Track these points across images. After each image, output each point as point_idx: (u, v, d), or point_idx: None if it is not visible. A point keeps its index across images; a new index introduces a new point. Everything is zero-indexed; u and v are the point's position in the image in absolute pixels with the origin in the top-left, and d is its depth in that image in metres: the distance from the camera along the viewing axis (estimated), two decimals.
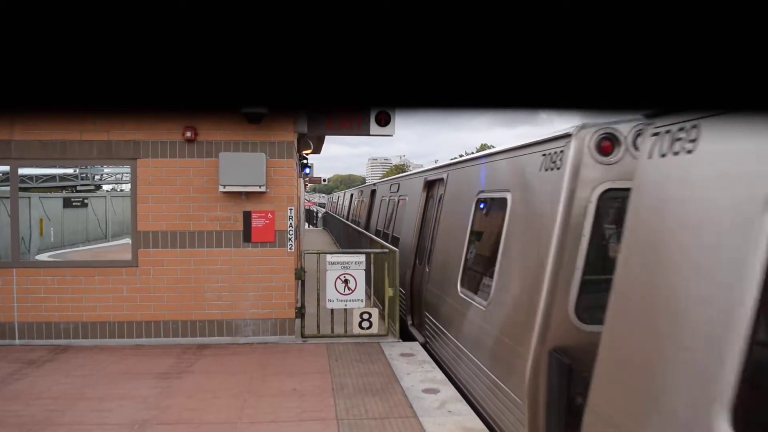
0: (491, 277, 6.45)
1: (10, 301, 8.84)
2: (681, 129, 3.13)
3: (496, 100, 0.63)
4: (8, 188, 9.01)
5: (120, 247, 9.30)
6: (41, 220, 9.46)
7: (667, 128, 3.26)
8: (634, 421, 3.21)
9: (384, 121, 9.26)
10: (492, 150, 7.62)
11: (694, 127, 3.02)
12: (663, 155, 3.25)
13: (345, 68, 0.60)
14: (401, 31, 0.58)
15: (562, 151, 5.23)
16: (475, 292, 7.08)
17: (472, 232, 7.72)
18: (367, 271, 9.48)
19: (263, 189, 8.81)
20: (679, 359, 2.92)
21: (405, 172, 21.76)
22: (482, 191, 7.45)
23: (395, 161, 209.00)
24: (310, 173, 19.75)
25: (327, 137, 14.03)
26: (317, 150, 16.09)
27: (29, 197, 9.28)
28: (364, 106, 0.65)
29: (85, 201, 9.69)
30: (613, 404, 3.45)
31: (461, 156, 12.37)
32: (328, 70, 0.60)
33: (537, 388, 5.06)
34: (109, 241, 9.67)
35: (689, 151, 3.04)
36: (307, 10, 0.57)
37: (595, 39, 0.59)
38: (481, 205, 7.51)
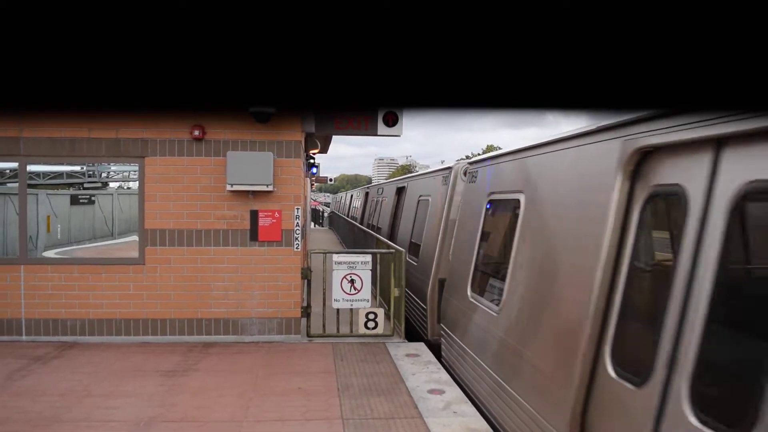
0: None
1: (17, 298, 8.88)
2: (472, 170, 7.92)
3: (502, 100, 0.63)
4: (17, 185, 9.04)
5: (127, 244, 9.32)
6: (48, 217, 9.50)
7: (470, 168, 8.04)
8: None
9: (392, 121, 9.26)
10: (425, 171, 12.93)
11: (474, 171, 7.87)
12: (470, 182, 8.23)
13: (353, 68, 0.60)
14: (408, 32, 0.58)
15: (448, 175, 10.44)
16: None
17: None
18: (373, 271, 9.48)
19: (270, 188, 8.82)
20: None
21: (412, 172, 21.33)
22: (421, 195, 12.55)
23: (401, 162, 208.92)
24: (316, 173, 19.76)
25: (334, 137, 14.04)
26: (324, 150, 16.08)
27: (36, 194, 9.32)
28: (371, 106, 0.65)
29: (93, 198, 9.72)
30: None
31: (467, 157, 13.02)
32: (335, 71, 0.60)
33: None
34: (115, 239, 9.70)
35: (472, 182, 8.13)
36: (315, 11, 0.57)
37: (598, 39, 0.59)
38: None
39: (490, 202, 7.50)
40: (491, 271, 7.26)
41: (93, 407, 6.30)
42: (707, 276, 3.45)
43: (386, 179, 31.78)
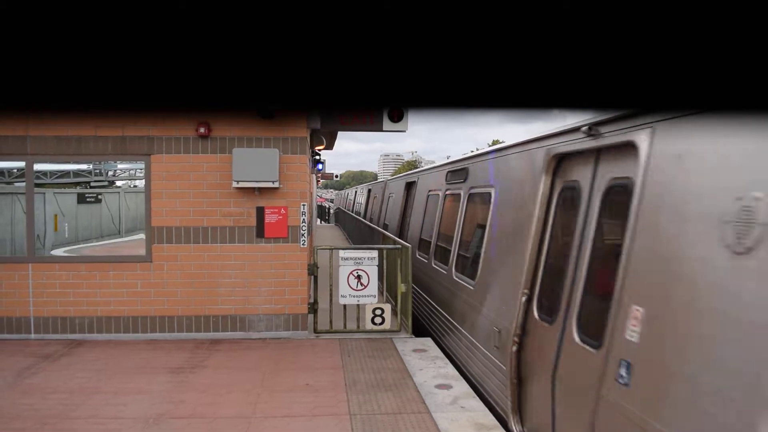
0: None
1: (25, 296, 8.92)
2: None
3: (505, 99, 0.63)
4: (23, 184, 9.08)
5: (134, 242, 9.35)
6: (56, 215, 9.54)
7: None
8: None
9: (397, 116, 9.25)
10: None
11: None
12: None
13: (358, 67, 0.60)
14: (412, 31, 0.58)
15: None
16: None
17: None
18: (380, 267, 9.48)
19: (276, 185, 8.83)
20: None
21: (417, 168, 21.39)
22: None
23: (407, 157, 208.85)
24: (322, 169, 19.79)
25: (339, 133, 14.02)
26: (330, 146, 16.11)
27: (44, 193, 9.35)
28: (376, 105, 0.65)
29: (99, 197, 9.75)
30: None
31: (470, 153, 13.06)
32: (341, 70, 0.60)
33: None
34: (122, 237, 9.73)
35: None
36: (320, 10, 0.57)
37: (598, 38, 0.59)
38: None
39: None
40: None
41: (102, 404, 6.34)
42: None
43: (391, 175, 32.39)
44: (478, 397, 6.53)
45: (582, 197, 5.36)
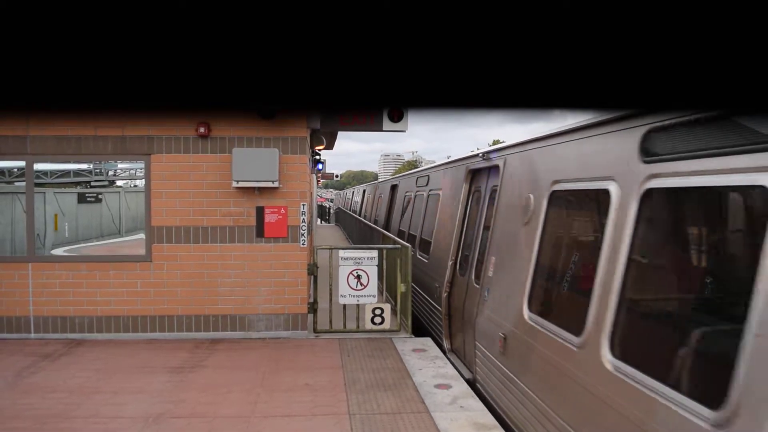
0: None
1: (25, 296, 8.93)
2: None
3: (506, 99, 0.63)
4: (24, 183, 9.09)
5: (134, 242, 9.36)
6: (56, 215, 9.54)
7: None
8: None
9: (397, 116, 9.25)
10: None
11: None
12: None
13: (357, 68, 0.60)
14: (412, 31, 0.58)
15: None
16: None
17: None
18: (380, 267, 9.48)
19: (276, 185, 8.83)
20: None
21: (417, 168, 21.91)
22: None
23: (407, 157, 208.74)
24: (322, 169, 19.77)
25: (339, 133, 14.04)
26: (330, 146, 16.11)
27: (44, 192, 9.36)
28: (376, 105, 0.66)
29: (99, 196, 9.76)
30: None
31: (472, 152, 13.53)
32: (341, 70, 0.61)
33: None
34: (122, 237, 9.74)
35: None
36: (320, 10, 0.57)
37: (599, 38, 0.59)
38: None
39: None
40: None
41: (102, 404, 6.34)
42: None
43: (391, 175, 33.79)
44: (477, 397, 6.53)
45: (481, 197, 8.59)
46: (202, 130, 8.87)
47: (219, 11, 0.57)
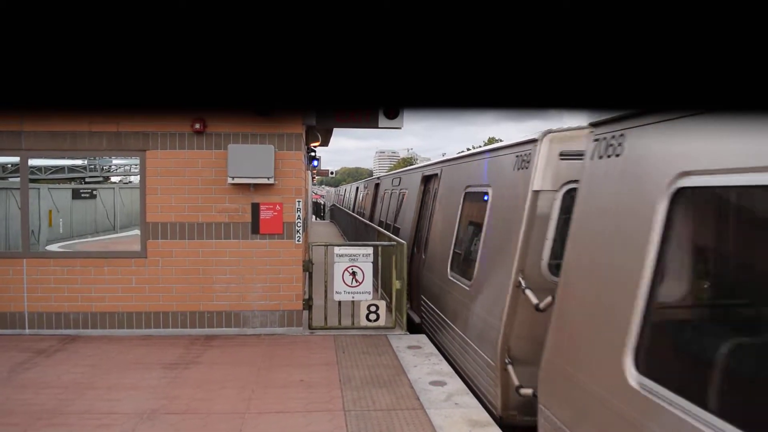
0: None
1: (20, 291, 8.91)
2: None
3: (503, 99, 0.63)
4: (18, 179, 9.06)
5: (129, 238, 9.34)
6: (50, 211, 9.51)
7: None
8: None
9: (392, 114, 9.25)
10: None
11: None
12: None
13: (353, 67, 0.61)
14: (408, 30, 0.58)
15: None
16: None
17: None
18: (375, 263, 9.49)
19: (271, 181, 8.83)
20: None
21: (412, 165, 22.94)
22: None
23: (403, 154, 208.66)
24: (317, 166, 19.76)
25: (335, 130, 14.09)
26: (325, 143, 16.08)
27: (38, 188, 9.33)
28: (372, 105, 0.66)
29: (94, 192, 9.74)
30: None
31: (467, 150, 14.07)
32: (336, 69, 0.61)
33: None
34: (117, 233, 9.72)
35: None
36: (317, 10, 0.57)
37: (596, 38, 0.60)
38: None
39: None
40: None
41: (96, 399, 6.33)
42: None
43: (386, 172, 34.90)
44: (472, 394, 6.55)
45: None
46: (197, 126, 8.86)
47: (216, 10, 0.57)
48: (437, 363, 7.63)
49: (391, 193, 16.74)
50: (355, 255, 9.02)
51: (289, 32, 0.58)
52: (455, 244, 8.90)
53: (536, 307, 5.79)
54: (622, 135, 4.29)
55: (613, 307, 4.03)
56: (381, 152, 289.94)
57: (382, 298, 10.24)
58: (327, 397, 6.42)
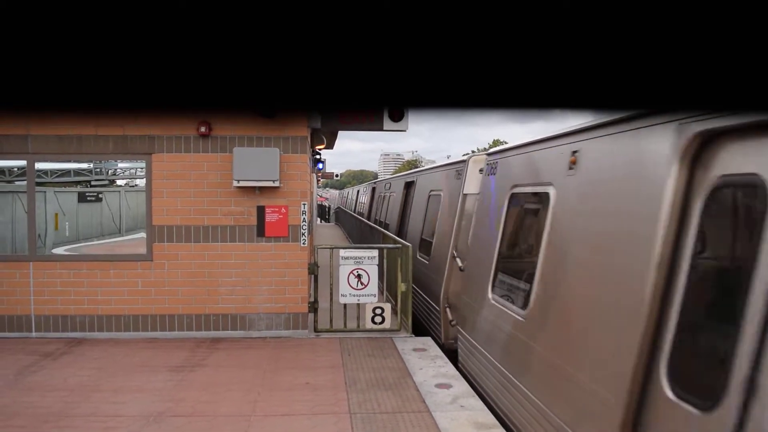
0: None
1: (26, 294, 8.93)
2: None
3: (507, 100, 0.63)
4: (24, 183, 9.09)
5: (134, 241, 9.37)
6: (56, 214, 9.55)
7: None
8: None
9: (397, 116, 9.26)
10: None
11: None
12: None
13: (358, 68, 0.61)
14: (413, 31, 0.59)
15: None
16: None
17: None
18: (380, 266, 9.49)
19: (277, 184, 8.84)
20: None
21: (417, 168, 23.89)
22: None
23: (407, 157, 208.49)
24: (322, 168, 19.76)
25: (340, 132, 14.08)
26: (330, 145, 16.10)
27: (44, 192, 9.36)
28: (376, 105, 0.66)
29: (100, 196, 9.77)
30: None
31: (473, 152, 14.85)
32: (341, 70, 0.61)
33: None
34: (123, 236, 9.74)
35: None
36: (321, 11, 0.58)
37: (599, 38, 0.60)
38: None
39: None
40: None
41: (102, 402, 6.35)
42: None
43: (391, 174, 37.12)
44: (477, 397, 6.54)
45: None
46: (203, 129, 8.88)
47: (220, 11, 0.57)
48: (443, 366, 7.62)
49: (384, 196, 20.77)
50: (360, 258, 9.02)
51: (293, 34, 0.58)
52: (423, 231, 12.17)
53: (460, 269, 9.21)
54: (496, 162, 7.80)
55: (485, 263, 7.46)
56: (386, 154, 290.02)
57: (387, 300, 10.23)
58: (332, 399, 6.42)
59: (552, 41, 0.59)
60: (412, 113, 0.70)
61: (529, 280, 5.95)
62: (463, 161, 9.84)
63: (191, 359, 7.91)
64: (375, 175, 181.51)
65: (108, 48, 0.59)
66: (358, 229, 21.33)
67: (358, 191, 38.32)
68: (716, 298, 3.66)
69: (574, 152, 5.26)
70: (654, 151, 4.03)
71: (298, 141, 9.13)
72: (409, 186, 15.32)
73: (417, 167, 29.62)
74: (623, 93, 0.63)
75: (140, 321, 9.06)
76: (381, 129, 9.41)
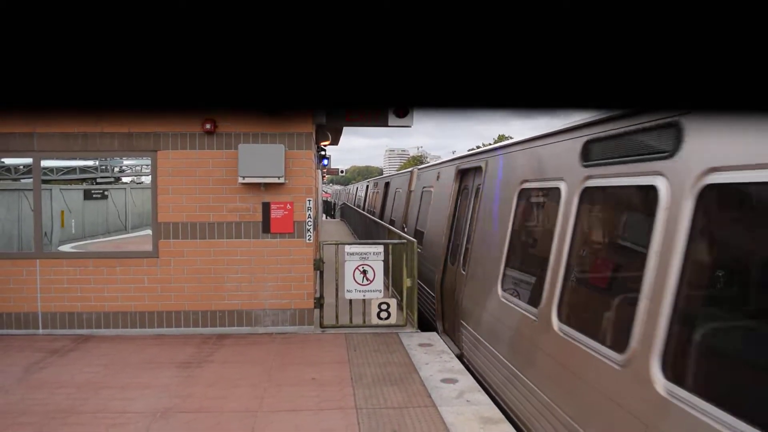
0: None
1: (33, 292, 8.97)
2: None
3: (511, 98, 0.63)
4: (30, 180, 9.12)
5: (140, 238, 9.39)
6: (62, 212, 9.57)
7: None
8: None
9: (402, 112, 9.25)
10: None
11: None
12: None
13: (363, 67, 0.61)
14: (417, 30, 0.59)
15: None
16: None
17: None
18: (385, 261, 9.50)
19: (282, 180, 8.85)
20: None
21: (423, 164, 25.53)
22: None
23: (412, 153, 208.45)
24: (327, 164, 19.76)
25: (345, 129, 14.12)
26: (335, 141, 16.09)
27: (50, 189, 9.39)
28: (381, 104, 0.66)
29: (106, 193, 9.79)
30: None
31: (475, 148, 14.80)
32: (346, 69, 0.61)
33: None
34: (129, 233, 9.77)
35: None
36: (326, 9, 0.58)
37: (601, 38, 0.60)
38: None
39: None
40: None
41: (109, 399, 6.38)
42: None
43: (396, 170, 38.25)
44: (483, 391, 6.55)
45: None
46: (208, 126, 8.89)
47: (225, 10, 0.57)
48: (448, 360, 7.62)
49: (377, 192, 24.06)
50: (365, 253, 9.03)
51: (298, 32, 0.58)
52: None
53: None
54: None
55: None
56: (391, 150, 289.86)
57: (393, 296, 10.24)
58: (339, 395, 6.43)
59: (554, 41, 0.60)
60: (417, 112, 0.70)
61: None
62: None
63: (198, 355, 7.94)
64: (380, 171, 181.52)
65: (112, 48, 0.59)
66: (364, 225, 21.43)
67: (356, 189, 42.18)
68: None
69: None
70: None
71: (303, 137, 9.14)
72: (387, 185, 19.81)
73: (422, 163, 33.04)
74: (624, 92, 0.63)
75: (147, 317, 9.10)
76: (386, 125, 9.42)
